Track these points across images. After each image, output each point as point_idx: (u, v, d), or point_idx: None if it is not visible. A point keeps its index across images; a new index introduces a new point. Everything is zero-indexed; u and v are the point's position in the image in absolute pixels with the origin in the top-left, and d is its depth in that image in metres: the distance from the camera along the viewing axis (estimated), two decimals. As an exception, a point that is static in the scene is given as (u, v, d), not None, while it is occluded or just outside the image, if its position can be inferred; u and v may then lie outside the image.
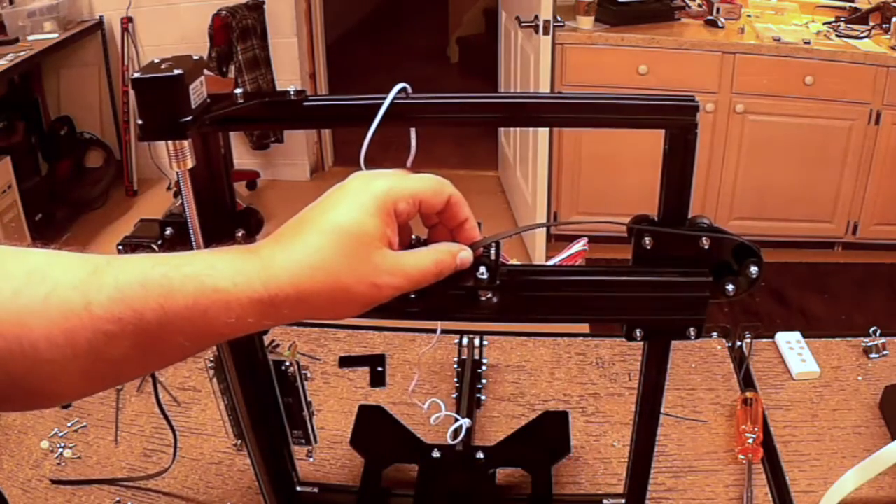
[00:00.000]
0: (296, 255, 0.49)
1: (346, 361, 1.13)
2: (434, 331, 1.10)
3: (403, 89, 0.59)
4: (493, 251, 0.59)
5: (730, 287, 0.62)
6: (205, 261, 0.49)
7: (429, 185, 0.54)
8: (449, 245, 0.55)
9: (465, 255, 0.56)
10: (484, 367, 1.10)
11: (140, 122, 0.55)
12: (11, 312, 0.45)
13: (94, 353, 0.47)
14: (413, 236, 0.57)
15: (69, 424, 1.02)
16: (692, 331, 0.64)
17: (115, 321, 0.46)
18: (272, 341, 0.77)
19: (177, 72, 0.53)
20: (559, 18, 2.83)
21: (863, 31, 3.08)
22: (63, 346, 0.46)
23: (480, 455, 0.89)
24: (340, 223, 0.50)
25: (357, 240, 0.49)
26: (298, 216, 0.52)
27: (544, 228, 3.14)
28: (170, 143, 0.55)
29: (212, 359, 0.79)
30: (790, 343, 1.13)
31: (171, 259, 0.49)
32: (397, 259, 0.51)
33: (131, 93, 2.30)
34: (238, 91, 0.60)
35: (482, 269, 0.58)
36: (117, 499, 0.91)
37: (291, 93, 0.61)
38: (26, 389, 0.47)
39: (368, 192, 0.51)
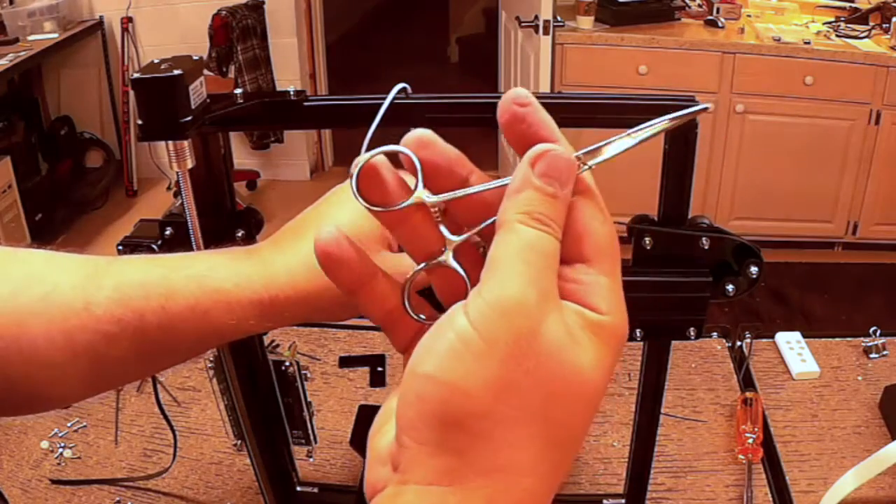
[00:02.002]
0: (295, 257, 0.49)
1: (346, 361, 1.13)
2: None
3: (403, 89, 0.59)
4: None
5: (730, 287, 0.62)
6: (205, 262, 0.49)
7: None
8: None
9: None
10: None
11: (140, 122, 0.54)
12: (10, 313, 0.45)
13: (93, 354, 0.46)
14: None
15: (69, 424, 1.02)
16: (692, 331, 0.64)
17: (115, 322, 0.46)
18: (272, 341, 0.77)
19: (177, 72, 0.53)
20: (559, 18, 2.83)
21: (863, 31, 3.08)
22: (62, 346, 0.46)
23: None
24: (338, 225, 0.50)
25: (355, 241, 0.49)
26: (297, 219, 0.52)
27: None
28: (170, 143, 0.55)
29: (212, 359, 0.79)
30: (790, 343, 1.13)
31: (170, 260, 0.49)
32: (397, 260, 0.51)
33: (131, 93, 2.30)
34: (238, 91, 0.60)
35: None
36: (117, 499, 0.91)
37: (291, 93, 0.61)
38: (26, 392, 0.47)
39: None
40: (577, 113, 0.62)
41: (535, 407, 0.30)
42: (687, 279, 0.62)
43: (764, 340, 1.15)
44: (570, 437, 0.31)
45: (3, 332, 0.45)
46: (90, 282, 0.47)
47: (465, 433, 0.29)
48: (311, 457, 0.89)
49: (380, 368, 1.11)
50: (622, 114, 0.61)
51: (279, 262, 0.49)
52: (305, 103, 0.61)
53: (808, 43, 2.92)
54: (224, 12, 3.28)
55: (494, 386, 0.29)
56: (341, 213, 0.50)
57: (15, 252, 0.49)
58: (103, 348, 0.47)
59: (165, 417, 0.89)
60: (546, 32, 2.75)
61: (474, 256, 0.36)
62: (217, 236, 0.61)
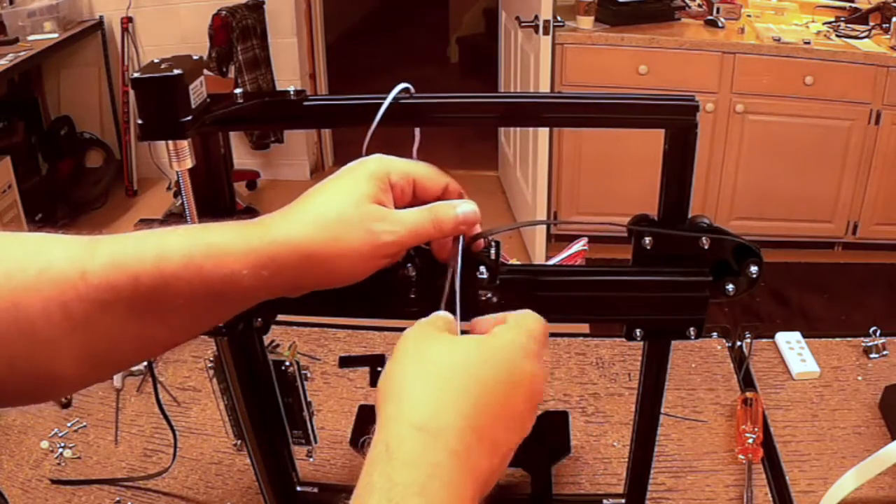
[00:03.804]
0: (291, 214, 0.51)
1: (346, 361, 1.13)
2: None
3: (406, 89, 0.59)
4: (493, 251, 0.59)
5: (730, 287, 0.62)
6: (200, 225, 0.51)
7: (423, 167, 0.55)
8: (447, 201, 0.55)
9: (466, 207, 0.55)
10: (484, 367, 1.09)
11: (140, 122, 0.55)
12: (6, 293, 0.46)
13: (89, 324, 0.47)
14: None
15: (69, 424, 1.02)
16: (692, 331, 0.64)
17: (109, 289, 0.46)
18: (272, 341, 0.77)
19: (177, 72, 0.53)
20: (559, 18, 2.83)
21: (863, 31, 3.08)
22: (59, 320, 0.46)
23: (480, 455, 0.88)
24: (334, 186, 0.52)
25: (351, 195, 0.51)
26: (296, 200, 0.53)
27: (544, 228, 3.14)
28: (170, 142, 0.55)
29: (212, 359, 0.79)
30: (790, 343, 1.13)
31: (166, 228, 0.50)
32: (391, 210, 0.53)
33: (131, 93, 2.30)
34: (238, 91, 0.60)
35: (482, 268, 0.58)
36: (117, 499, 0.91)
37: (291, 93, 0.61)
38: (26, 371, 0.47)
39: (362, 167, 0.53)
40: (577, 113, 0.62)
41: None
42: (687, 279, 0.62)
43: (764, 340, 1.15)
44: None
45: (1, 310, 0.45)
46: (86, 252, 0.48)
47: None
48: (311, 457, 0.89)
49: (380, 368, 1.11)
50: (622, 114, 0.61)
51: (274, 218, 0.51)
52: (305, 103, 0.61)
53: (808, 43, 2.92)
54: (224, 12, 3.28)
55: None
56: (336, 182, 0.52)
57: (12, 234, 0.50)
58: (98, 317, 0.47)
59: (165, 417, 0.89)
60: (546, 32, 2.75)
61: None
62: (217, 236, 0.61)
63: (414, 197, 0.55)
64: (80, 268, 0.47)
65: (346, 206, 0.50)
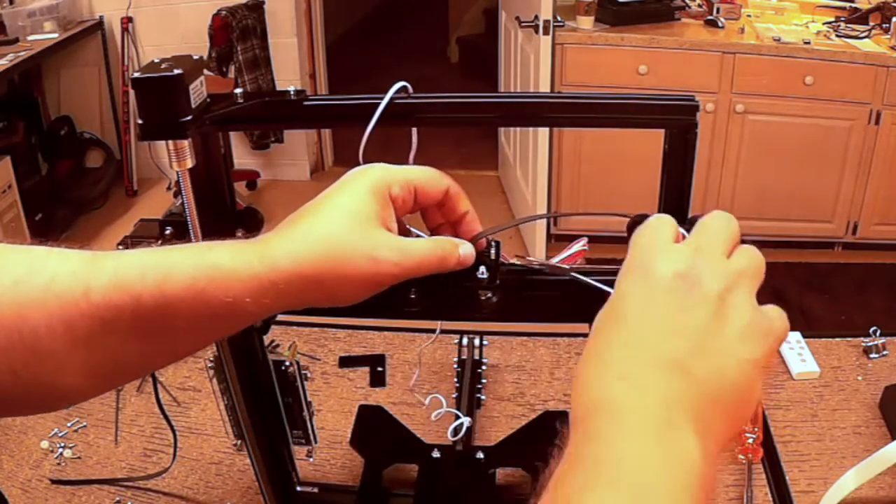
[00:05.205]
0: (293, 234, 0.50)
1: (346, 361, 1.13)
2: (434, 331, 1.10)
3: (403, 88, 0.59)
4: (493, 251, 0.59)
5: (730, 287, 0.62)
6: (203, 245, 0.50)
7: (424, 174, 0.54)
8: (452, 238, 0.55)
9: (467, 249, 0.55)
10: (484, 367, 1.10)
11: (140, 121, 0.55)
12: (11, 303, 0.45)
13: (92, 342, 0.47)
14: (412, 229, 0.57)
15: (69, 424, 1.02)
16: (692, 331, 0.64)
17: (112, 308, 0.46)
18: (272, 341, 0.77)
19: (177, 71, 0.53)
20: (559, 18, 2.83)
21: (863, 31, 3.08)
22: (63, 335, 0.46)
23: (480, 455, 0.89)
24: (337, 203, 0.51)
25: (354, 216, 0.50)
26: (297, 211, 0.52)
27: (545, 229, 3.14)
28: (170, 142, 0.55)
29: (212, 359, 0.79)
30: (790, 343, 1.13)
31: (169, 247, 0.50)
32: (397, 238, 0.52)
33: (131, 93, 2.30)
34: (238, 91, 0.60)
35: (482, 268, 0.58)
36: (117, 499, 0.91)
37: (291, 93, 0.61)
38: (28, 385, 0.47)
39: (363, 178, 0.52)
40: (577, 113, 0.62)
41: None
42: (687, 279, 0.62)
43: (764, 340, 1.15)
44: None
45: (6, 323, 0.45)
46: (90, 268, 0.47)
47: None
48: (311, 457, 0.89)
49: (380, 368, 1.11)
50: (622, 114, 0.61)
51: (277, 241, 0.50)
52: (305, 103, 0.61)
53: (808, 43, 2.92)
54: (224, 12, 3.28)
55: None
56: (338, 194, 0.51)
57: (16, 246, 0.49)
58: (101, 335, 0.47)
59: (165, 417, 0.89)
60: (546, 32, 2.75)
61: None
62: (217, 236, 0.61)
63: (415, 203, 0.55)
64: (84, 284, 0.46)
65: (350, 229, 0.50)
